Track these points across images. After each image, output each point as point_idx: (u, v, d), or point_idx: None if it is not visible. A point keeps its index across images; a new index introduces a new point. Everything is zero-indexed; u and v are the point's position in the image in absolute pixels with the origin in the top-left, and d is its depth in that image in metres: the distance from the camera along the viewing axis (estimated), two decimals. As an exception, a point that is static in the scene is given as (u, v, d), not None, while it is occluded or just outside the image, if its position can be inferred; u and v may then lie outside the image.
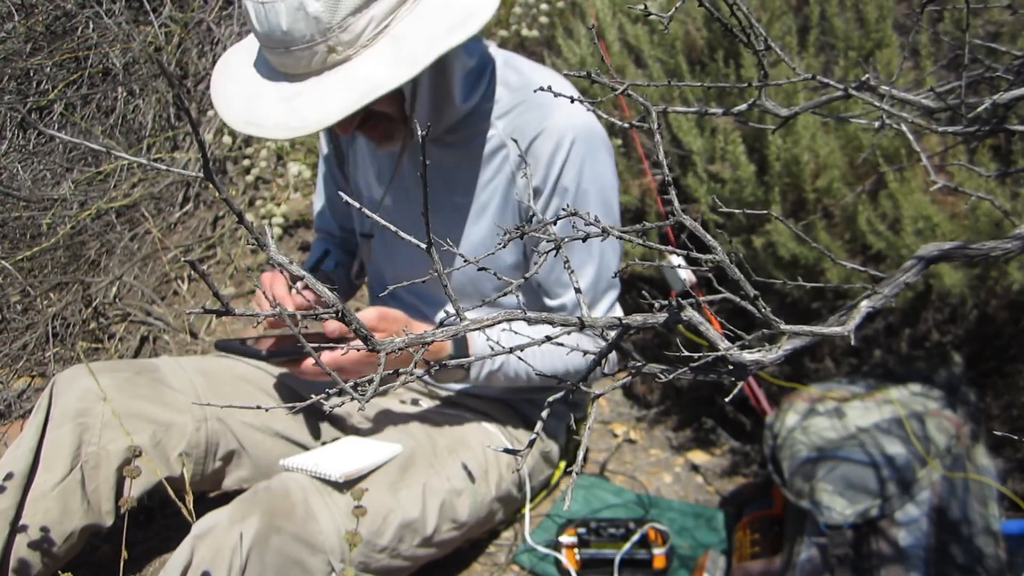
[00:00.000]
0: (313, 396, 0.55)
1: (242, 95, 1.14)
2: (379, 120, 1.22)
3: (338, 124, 1.10)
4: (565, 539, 1.44)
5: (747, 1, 1.78)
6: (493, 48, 1.31)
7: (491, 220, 1.32)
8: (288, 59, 1.09)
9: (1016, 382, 1.59)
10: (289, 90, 1.11)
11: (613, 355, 1.44)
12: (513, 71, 1.30)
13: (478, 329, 0.57)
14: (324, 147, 1.53)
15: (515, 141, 0.86)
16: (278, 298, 1.32)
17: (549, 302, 1.37)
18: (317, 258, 1.58)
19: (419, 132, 0.49)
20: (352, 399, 0.53)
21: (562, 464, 1.60)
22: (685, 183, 1.75)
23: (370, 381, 0.53)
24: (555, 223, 0.61)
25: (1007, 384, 1.61)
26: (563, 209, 0.63)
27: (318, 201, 1.63)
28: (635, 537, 1.42)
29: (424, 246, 0.54)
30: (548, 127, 1.25)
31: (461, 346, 1.30)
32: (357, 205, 0.54)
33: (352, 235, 1.61)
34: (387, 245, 1.46)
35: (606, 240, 1.34)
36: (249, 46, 1.20)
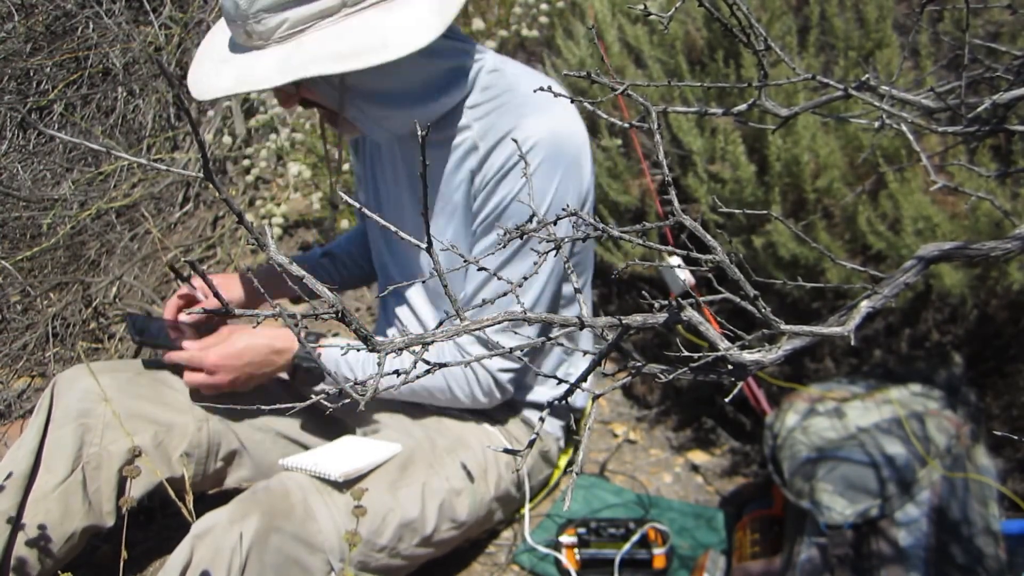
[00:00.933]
0: (313, 396, 0.55)
1: (212, 55, 1.22)
2: (317, 105, 1.27)
3: (278, 98, 1.21)
4: (565, 539, 1.44)
5: (747, 1, 1.78)
6: (488, 54, 1.30)
7: (461, 220, 1.33)
8: (241, 33, 1.16)
9: (1016, 382, 1.59)
10: (225, 55, 1.19)
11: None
12: (499, 75, 1.28)
13: (478, 329, 0.57)
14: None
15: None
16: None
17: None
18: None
19: (419, 132, 0.49)
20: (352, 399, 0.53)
21: (562, 464, 1.60)
22: (685, 183, 1.75)
23: (370, 381, 0.53)
24: (555, 223, 0.61)
25: (1007, 384, 1.60)
26: (565, 207, 0.63)
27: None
28: (635, 537, 1.42)
29: (423, 246, 0.54)
30: (514, 131, 1.24)
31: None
32: (357, 205, 0.54)
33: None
34: (388, 243, 1.49)
35: (543, 271, 1.31)
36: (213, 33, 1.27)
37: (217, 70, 1.18)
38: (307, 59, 1.12)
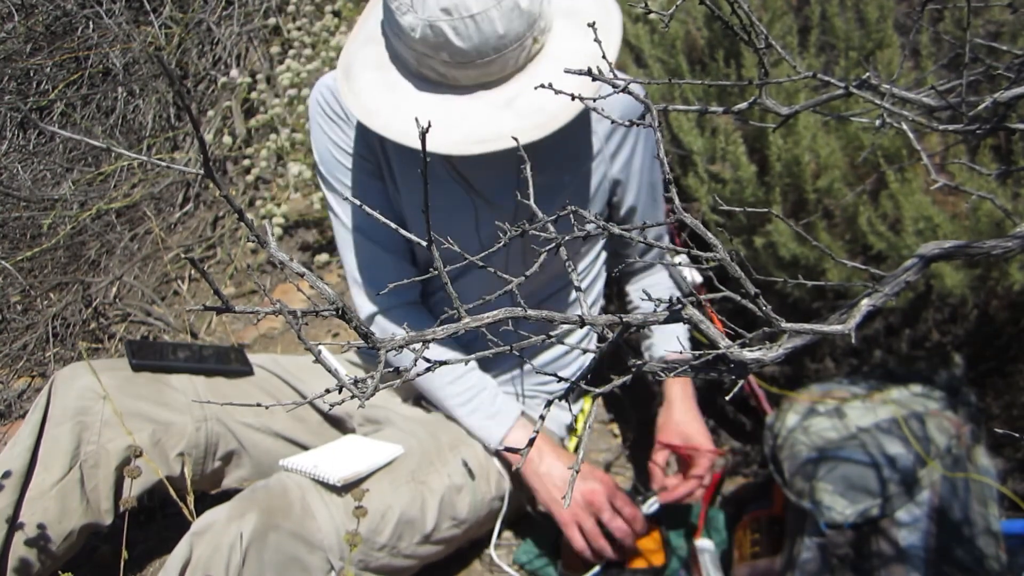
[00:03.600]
0: (312, 395, 0.55)
1: (440, 123, 1.07)
2: None
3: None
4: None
5: (748, 1, 1.77)
6: None
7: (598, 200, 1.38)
8: (495, 65, 1.06)
9: (1016, 382, 1.59)
10: (497, 96, 1.08)
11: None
12: None
13: (478, 327, 0.57)
14: (375, 196, 1.33)
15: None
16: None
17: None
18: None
19: (420, 127, 0.48)
20: (352, 397, 0.52)
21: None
22: (685, 183, 1.75)
23: (371, 379, 0.53)
24: (556, 221, 0.61)
25: (1007, 384, 1.60)
26: (566, 205, 0.63)
27: (392, 265, 1.36)
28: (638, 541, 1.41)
29: (424, 243, 0.54)
30: (624, 100, 1.27)
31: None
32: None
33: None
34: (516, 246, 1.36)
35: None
36: (375, 82, 1.13)
37: (542, 93, 1.06)
38: (593, 8, 1.11)
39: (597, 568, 1.35)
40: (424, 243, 0.54)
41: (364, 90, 1.13)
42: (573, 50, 1.09)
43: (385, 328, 1.37)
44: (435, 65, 1.07)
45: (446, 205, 1.30)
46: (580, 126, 1.30)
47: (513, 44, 1.05)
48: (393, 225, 0.55)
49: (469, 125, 1.08)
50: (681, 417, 1.43)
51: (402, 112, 1.10)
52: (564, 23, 1.11)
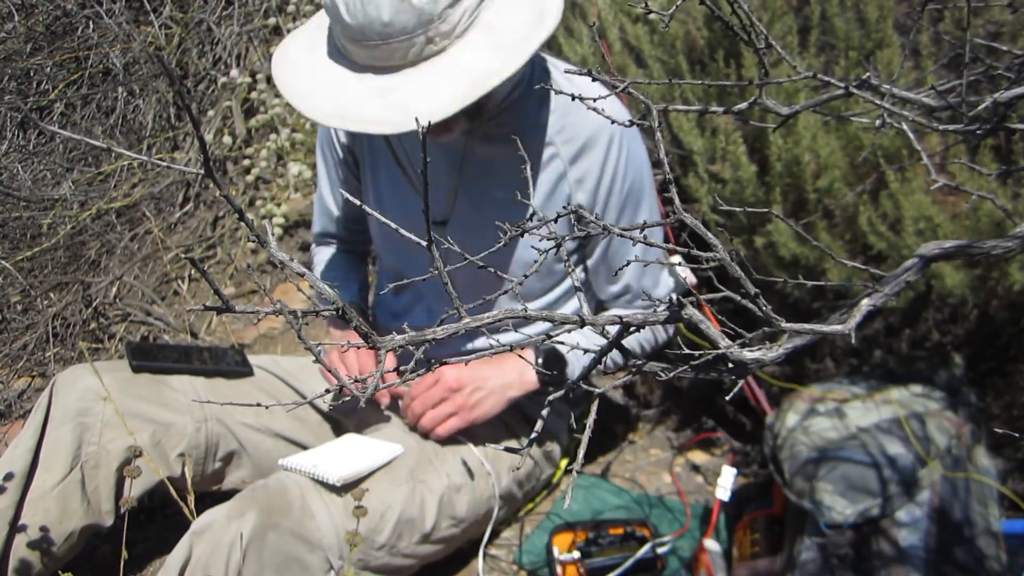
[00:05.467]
0: (312, 395, 0.55)
1: (322, 89, 1.11)
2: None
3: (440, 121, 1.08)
4: (565, 557, 1.42)
5: (748, 1, 1.77)
6: None
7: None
8: (381, 52, 1.06)
9: (1016, 382, 1.59)
10: (379, 83, 1.08)
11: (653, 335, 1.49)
12: (552, 67, 1.31)
13: (478, 327, 0.57)
14: (333, 152, 1.47)
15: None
16: (364, 370, 1.35)
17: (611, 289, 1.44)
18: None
19: (420, 129, 0.49)
20: (352, 396, 0.52)
21: (563, 463, 1.60)
22: (686, 183, 1.75)
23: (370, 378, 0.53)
24: (556, 221, 0.61)
25: (1007, 384, 1.60)
26: (573, 206, 0.63)
27: (326, 207, 1.57)
28: (645, 548, 1.41)
29: (424, 243, 0.54)
30: (596, 123, 1.27)
31: (554, 363, 1.34)
32: (358, 202, 0.54)
33: (362, 235, 1.59)
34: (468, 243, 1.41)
35: (650, 216, 1.40)
36: (308, 39, 1.17)
37: (420, 93, 1.06)
38: (518, 32, 1.08)
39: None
40: (424, 243, 0.54)
41: (290, 45, 1.18)
42: (470, 66, 1.06)
43: (313, 250, 1.65)
44: (338, 34, 1.10)
45: (391, 200, 1.39)
46: (536, 144, 1.28)
47: (399, 36, 1.04)
48: (393, 225, 0.55)
49: (342, 101, 1.09)
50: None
51: (300, 72, 1.14)
52: (480, 36, 1.08)
